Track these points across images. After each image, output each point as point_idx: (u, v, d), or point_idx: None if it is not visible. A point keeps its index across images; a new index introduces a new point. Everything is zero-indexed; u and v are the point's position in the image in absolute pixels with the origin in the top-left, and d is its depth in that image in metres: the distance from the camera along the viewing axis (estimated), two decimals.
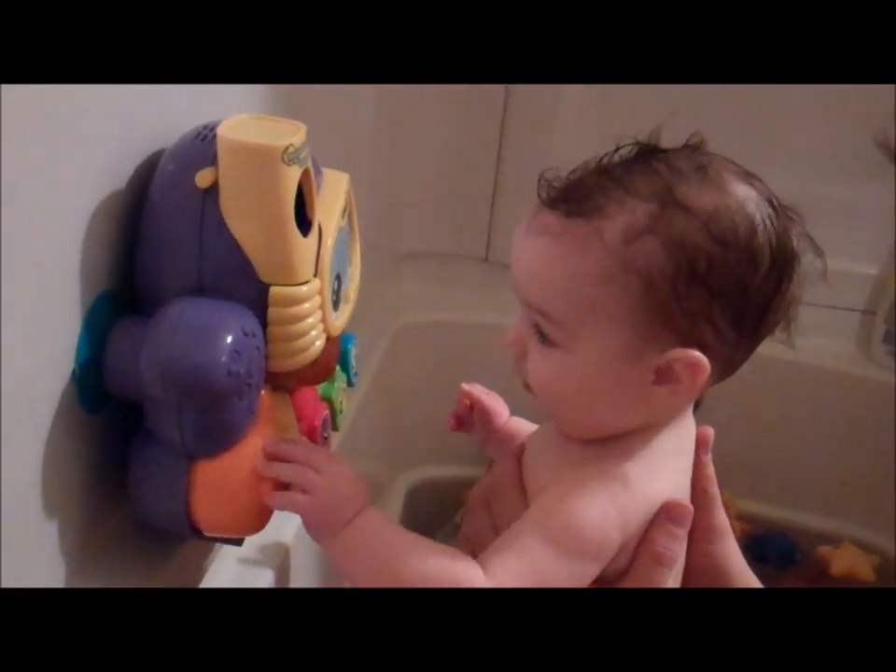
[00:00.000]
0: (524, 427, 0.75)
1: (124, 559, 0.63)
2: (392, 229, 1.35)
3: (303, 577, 0.80)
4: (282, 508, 0.61)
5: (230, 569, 0.70)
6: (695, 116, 1.25)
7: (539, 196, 0.62)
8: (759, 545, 1.33)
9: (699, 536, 0.66)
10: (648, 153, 0.61)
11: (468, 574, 0.59)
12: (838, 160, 1.30)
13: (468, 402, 0.76)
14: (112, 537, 0.63)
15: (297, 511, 0.61)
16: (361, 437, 1.10)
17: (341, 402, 0.76)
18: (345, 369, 0.76)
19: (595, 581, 0.61)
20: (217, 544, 0.70)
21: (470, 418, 0.76)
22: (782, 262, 0.60)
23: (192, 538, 0.63)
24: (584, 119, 1.33)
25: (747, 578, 0.68)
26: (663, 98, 1.16)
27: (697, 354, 0.59)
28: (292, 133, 0.58)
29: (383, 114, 1.21)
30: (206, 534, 0.61)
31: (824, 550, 1.32)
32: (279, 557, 0.73)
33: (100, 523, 0.63)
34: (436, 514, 1.29)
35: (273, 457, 0.60)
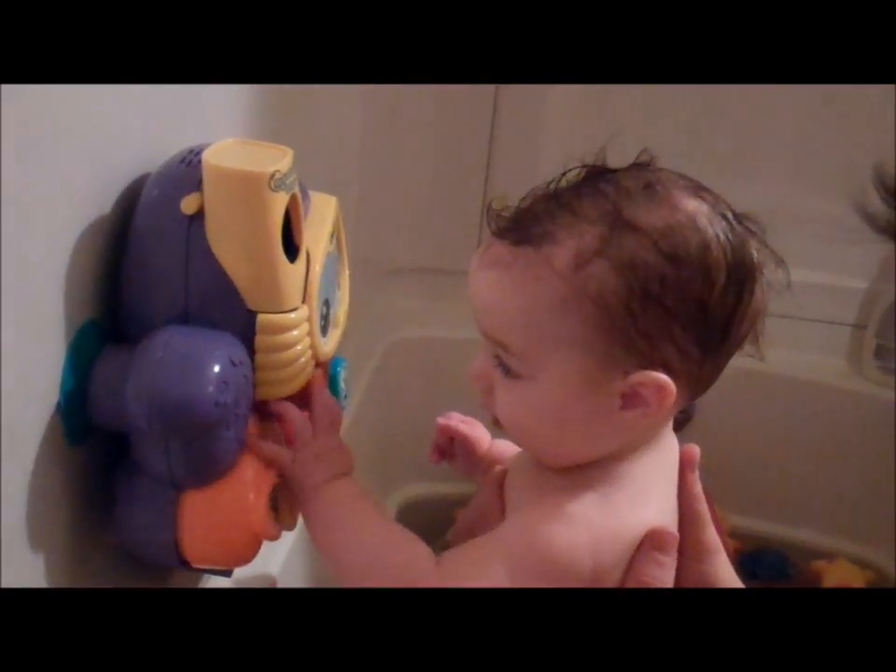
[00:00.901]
0: (508, 449, 0.73)
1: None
2: (381, 244, 1.34)
3: None
4: (266, 456, 0.62)
5: None
6: (684, 122, 1.27)
7: (488, 227, 0.61)
8: (751, 562, 1.33)
9: (689, 554, 0.65)
10: (595, 175, 0.60)
11: (417, 561, 0.60)
12: (828, 174, 1.30)
13: (447, 435, 0.75)
14: (99, 568, 0.62)
15: (278, 463, 0.63)
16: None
17: None
18: (335, 392, 0.75)
19: None
20: (205, 575, 0.69)
21: (452, 449, 0.75)
22: (740, 275, 0.58)
23: (181, 569, 0.62)
24: (573, 133, 1.32)
25: None
26: (655, 106, 1.17)
27: (661, 376, 0.58)
28: (278, 159, 0.57)
29: (370, 129, 1.21)
30: (195, 565, 0.61)
31: (818, 564, 1.31)
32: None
33: (87, 555, 0.62)
34: (427, 532, 1.28)
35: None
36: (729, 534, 1.28)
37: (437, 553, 0.61)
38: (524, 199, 0.61)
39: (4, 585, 0.53)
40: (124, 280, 0.59)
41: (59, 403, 0.56)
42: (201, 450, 0.57)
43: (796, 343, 1.23)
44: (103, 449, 0.60)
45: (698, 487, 0.66)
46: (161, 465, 0.57)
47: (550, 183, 0.61)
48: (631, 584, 0.60)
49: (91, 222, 0.57)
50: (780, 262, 0.61)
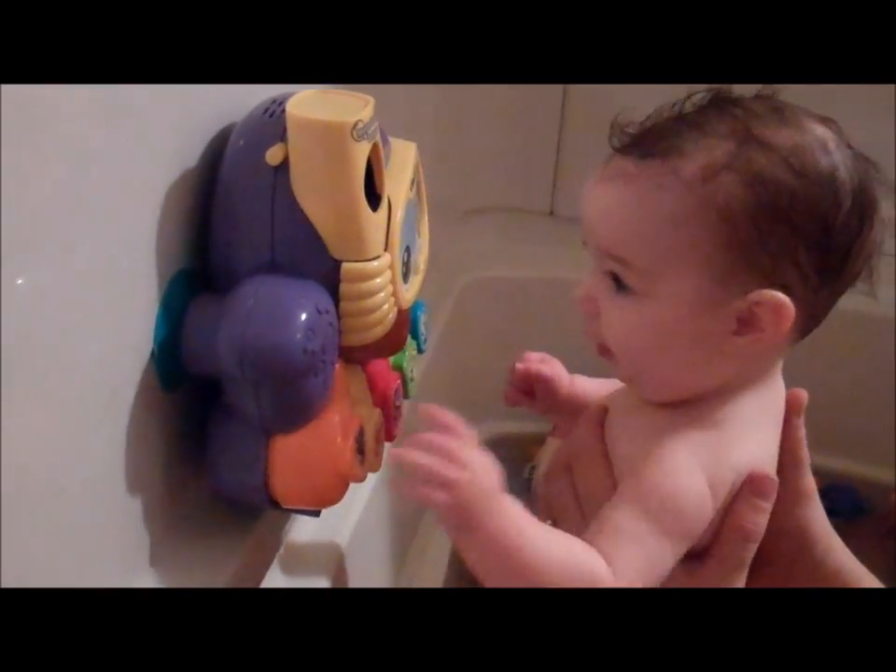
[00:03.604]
0: (588, 387, 0.72)
1: (204, 532, 0.64)
2: (457, 185, 1.34)
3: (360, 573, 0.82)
4: (424, 505, 0.55)
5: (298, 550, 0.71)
6: None
7: (610, 143, 0.60)
8: (826, 499, 1.31)
9: (786, 499, 0.64)
10: (721, 99, 0.60)
11: (595, 573, 0.55)
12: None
13: (527, 378, 0.73)
14: (193, 509, 0.65)
15: (437, 509, 0.54)
16: (428, 395, 1.10)
17: (411, 370, 0.77)
18: (415, 336, 0.77)
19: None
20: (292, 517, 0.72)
21: (531, 390, 0.73)
22: (864, 203, 0.58)
23: (270, 509, 0.64)
24: None
25: (830, 542, 0.67)
26: None
27: (780, 294, 0.57)
28: (361, 108, 0.57)
29: None
30: (284, 506, 0.63)
31: None
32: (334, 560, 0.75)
33: (181, 496, 0.64)
34: (505, 470, 1.29)
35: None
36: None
37: (514, 492, 0.59)
38: (648, 118, 0.60)
39: (101, 528, 0.55)
40: (212, 231, 0.60)
41: (153, 351, 0.58)
42: (290, 396, 0.58)
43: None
44: (196, 395, 0.62)
45: (801, 432, 0.66)
46: (251, 410, 0.59)
47: (674, 105, 0.60)
48: (731, 529, 0.60)
49: (179, 174, 0.58)
50: None
